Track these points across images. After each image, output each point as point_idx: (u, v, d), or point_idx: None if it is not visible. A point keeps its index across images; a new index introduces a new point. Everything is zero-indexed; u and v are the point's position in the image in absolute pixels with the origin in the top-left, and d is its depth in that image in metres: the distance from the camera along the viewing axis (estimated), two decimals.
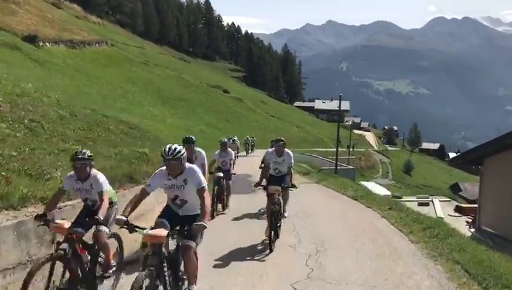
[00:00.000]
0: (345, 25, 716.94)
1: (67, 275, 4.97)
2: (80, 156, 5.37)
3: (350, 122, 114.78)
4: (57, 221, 5.09)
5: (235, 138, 27.57)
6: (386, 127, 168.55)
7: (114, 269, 5.67)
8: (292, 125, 76.02)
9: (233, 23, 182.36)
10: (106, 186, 5.53)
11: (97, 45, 65.48)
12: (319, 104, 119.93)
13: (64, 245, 4.94)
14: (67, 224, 5.05)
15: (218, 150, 11.97)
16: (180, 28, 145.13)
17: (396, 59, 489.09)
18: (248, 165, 23.64)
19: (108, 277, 5.62)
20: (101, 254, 5.55)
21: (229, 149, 12.16)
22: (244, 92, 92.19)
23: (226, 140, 12.66)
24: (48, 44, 52.68)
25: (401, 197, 22.11)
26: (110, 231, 5.59)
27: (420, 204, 20.42)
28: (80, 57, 56.37)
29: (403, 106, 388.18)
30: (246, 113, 68.59)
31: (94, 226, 5.39)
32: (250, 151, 38.04)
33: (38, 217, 5.10)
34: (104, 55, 63.02)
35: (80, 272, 5.10)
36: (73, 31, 63.31)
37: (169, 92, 60.03)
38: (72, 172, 5.50)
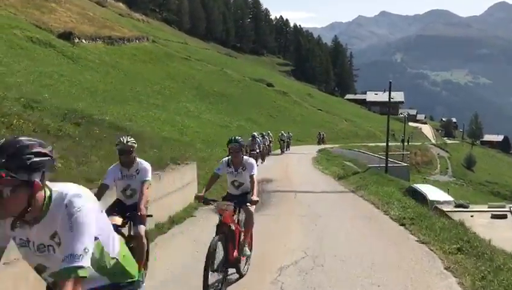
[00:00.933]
0: (399, 15, 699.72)
1: None
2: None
3: (405, 115, 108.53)
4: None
5: (255, 134, 23.89)
6: (443, 119, 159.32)
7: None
8: (341, 119, 71.77)
9: (281, 16, 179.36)
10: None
11: (137, 41, 64.08)
12: (371, 96, 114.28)
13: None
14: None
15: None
16: (227, 24, 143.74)
17: (453, 48, 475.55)
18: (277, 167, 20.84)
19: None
20: None
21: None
22: (290, 85, 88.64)
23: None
24: (84, 41, 51.54)
25: (467, 207, 17.85)
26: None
27: (494, 216, 16.13)
28: (118, 53, 54.98)
29: (461, 97, 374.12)
30: (290, 107, 65.09)
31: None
32: (285, 149, 34.46)
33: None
34: (144, 51, 61.47)
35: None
36: (114, 28, 62.24)
37: (209, 87, 57.56)
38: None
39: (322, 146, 41.64)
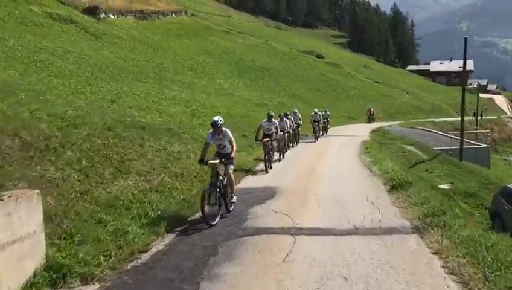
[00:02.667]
0: None
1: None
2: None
3: (475, 85, 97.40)
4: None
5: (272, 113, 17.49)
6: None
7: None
8: (402, 92, 63.68)
9: None
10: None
11: (173, 15, 59.23)
12: (435, 66, 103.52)
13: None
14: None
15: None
16: None
17: None
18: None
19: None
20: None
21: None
22: (343, 56, 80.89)
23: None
24: (112, 16, 47.31)
25: None
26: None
27: None
28: (150, 28, 50.42)
29: None
30: (342, 81, 58.03)
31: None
32: (320, 133, 26.10)
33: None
34: (180, 25, 56.61)
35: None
36: (148, 2, 57.55)
37: (250, 62, 51.85)
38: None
39: (376, 124, 34.84)
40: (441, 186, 14.72)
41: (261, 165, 14.11)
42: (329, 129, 29.42)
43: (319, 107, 44.15)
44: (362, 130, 29.42)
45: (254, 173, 13.18)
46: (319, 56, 65.38)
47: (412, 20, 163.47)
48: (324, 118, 27.77)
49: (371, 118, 41.21)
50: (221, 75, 43.61)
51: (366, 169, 13.33)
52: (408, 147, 20.68)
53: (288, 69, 54.89)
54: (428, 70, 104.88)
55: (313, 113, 25.69)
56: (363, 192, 10.10)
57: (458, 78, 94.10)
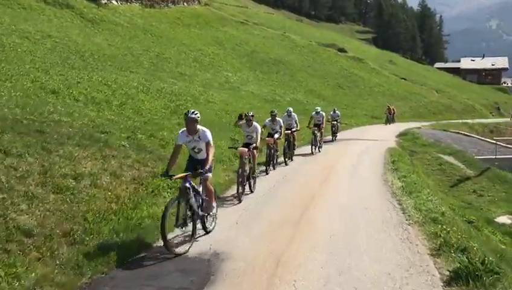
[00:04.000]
0: None
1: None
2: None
3: (510, 84, 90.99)
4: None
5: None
6: None
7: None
8: (431, 90, 58.44)
9: None
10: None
11: (185, 3, 55.31)
12: (466, 63, 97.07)
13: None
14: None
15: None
16: None
17: None
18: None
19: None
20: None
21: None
22: (367, 51, 75.75)
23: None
24: (115, 2, 43.56)
25: None
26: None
27: None
28: (157, 16, 46.60)
29: None
30: (366, 76, 53.19)
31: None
32: (321, 143, 18.22)
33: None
34: (191, 15, 52.66)
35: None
36: None
37: (264, 54, 47.59)
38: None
39: (402, 126, 30.06)
40: (499, 220, 10.23)
41: (234, 190, 9.52)
42: (338, 134, 22.52)
43: (338, 104, 39.70)
44: (387, 133, 24.94)
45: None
46: (340, 50, 60.58)
47: (441, 16, 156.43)
48: (334, 119, 21.80)
49: (390, 118, 35.37)
50: (230, 67, 39.53)
51: (395, 206, 8.08)
52: (446, 158, 16.21)
53: (306, 62, 50.43)
54: (458, 68, 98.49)
55: (313, 113, 18.35)
56: (395, 263, 5.44)
57: (491, 77, 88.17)
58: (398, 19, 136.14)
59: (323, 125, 17.69)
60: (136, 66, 27.57)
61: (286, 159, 13.70)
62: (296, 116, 14.99)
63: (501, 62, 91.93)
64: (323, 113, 18.11)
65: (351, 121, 32.20)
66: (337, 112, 22.50)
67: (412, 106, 48.25)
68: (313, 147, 16.28)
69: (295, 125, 14.62)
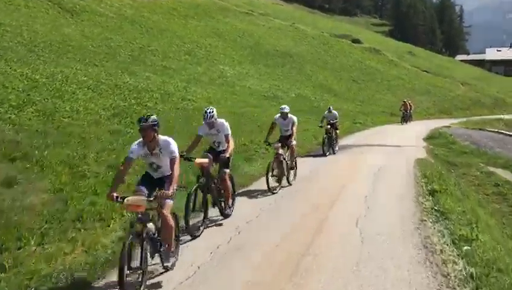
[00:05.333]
0: None
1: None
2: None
3: None
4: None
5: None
6: None
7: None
8: (456, 83, 52.93)
9: None
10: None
11: None
12: (492, 54, 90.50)
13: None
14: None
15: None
16: None
17: None
18: None
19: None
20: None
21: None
22: (384, 42, 70.27)
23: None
24: None
25: None
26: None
27: None
28: (150, 7, 42.29)
29: None
30: (383, 69, 48.05)
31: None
32: (326, 150, 14.62)
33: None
34: (189, 5, 48.26)
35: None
36: None
37: (270, 46, 42.89)
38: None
39: (426, 124, 25.01)
40: None
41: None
42: (337, 145, 15.68)
43: (353, 100, 34.91)
44: (411, 135, 20.09)
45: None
46: (355, 41, 55.47)
47: (462, 7, 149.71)
48: (331, 120, 15.13)
49: (407, 116, 30.18)
50: (229, 61, 34.97)
51: None
52: (501, 173, 11.32)
53: (317, 55, 45.55)
54: (482, 61, 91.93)
55: (326, 112, 15.53)
56: None
57: None
58: (416, 10, 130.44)
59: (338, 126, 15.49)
60: (107, 58, 23.16)
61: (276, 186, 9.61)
62: (294, 118, 10.69)
63: None
64: (336, 113, 15.20)
65: (366, 119, 27.41)
66: (334, 112, 15.37)
67: (435, 100, 43.02)
68: (325, 148, 14.40)
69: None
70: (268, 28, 49.67)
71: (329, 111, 15.28)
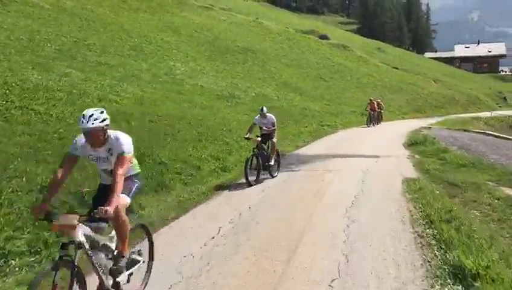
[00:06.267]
0: None
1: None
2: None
3: (507, 72, 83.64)
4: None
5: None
6: None
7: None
8: (428, 80, 50.49)
9: None
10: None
11: None
12: (460, 51, 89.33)
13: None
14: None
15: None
16: None
17: None
18: None
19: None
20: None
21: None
22: (352, 39, 67.62)
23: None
24: None
25: None
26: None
27: None
28: (96, 0, 37.97)
29: None
30: (352, 66, 45.06)
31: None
32: (253, 173, 10.18)
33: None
34: None
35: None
36: None
37: (230, 42, 39.29)
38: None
39: (400, 125, 21.78)
40: None
41: None
42: (276, 162, 11.24)
43: (319, 99, 31.64)
44: (389, 139, 16.73)
45: None
46: (322, 37, 52.40)
47: (428, 5, 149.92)
48: (265, 129, 10.91)
49: (374, 117, 26.84)
50: (182, 56, 31.22)
51: None
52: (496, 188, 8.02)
53: (282, 51, 42.19)
54: (450, 58, 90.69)
55: (256, 117, 11.22)
56: None
57: (486, 64, 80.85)
58: (383, 8, 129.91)
59: (275, 133, 11.03)
60: (23, 52, 19.05)
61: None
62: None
63: (497, 48, 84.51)
64: (273, 116, 10.91)
65: (335, 121, 24.13)
66: (269, 115, 10.94)
67: (408, 98, 40.29)
68: (250, 173, 9.93)
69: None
70: (229, 23, 46.08)
71: (262, 114, 10.73)
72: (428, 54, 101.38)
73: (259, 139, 10.23)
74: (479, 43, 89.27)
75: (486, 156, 14.09)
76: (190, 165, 9.82)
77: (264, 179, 10.40)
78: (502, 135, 19.54)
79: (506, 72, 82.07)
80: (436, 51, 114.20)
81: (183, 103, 18.13)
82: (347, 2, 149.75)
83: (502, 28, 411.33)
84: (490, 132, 20.56)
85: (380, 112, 28.22)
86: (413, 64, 59.40)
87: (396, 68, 51.30)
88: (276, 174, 10.77)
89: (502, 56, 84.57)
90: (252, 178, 9.76)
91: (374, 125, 25.99)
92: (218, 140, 13.30)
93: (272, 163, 10.57)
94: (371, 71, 45.59)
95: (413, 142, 15.49)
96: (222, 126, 15.43)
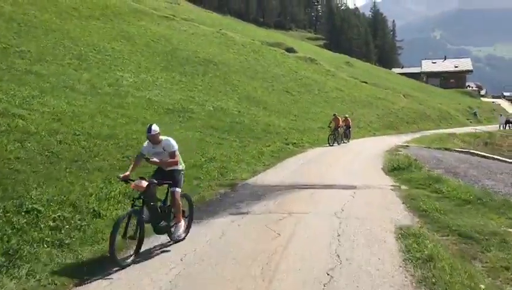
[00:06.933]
0: None
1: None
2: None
3: (473, 87, 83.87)
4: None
5: None
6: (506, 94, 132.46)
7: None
8: (397, 94, 48.90)
9: None
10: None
11: None
12: (428, 66, 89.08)
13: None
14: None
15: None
16: None
17: (496, 22, 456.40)
18: None
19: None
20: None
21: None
22: (320, 52, 65.96)
23: None
24: None
25: None
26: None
27: None
28: (40, 5, 34.68)
29: (507, 72, 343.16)
30: (320, 80, 42.94)
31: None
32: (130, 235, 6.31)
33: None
34: (95, 5, 40.99)
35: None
36: None
37: (191, 53, 36.57)
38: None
39: (377, 144, 19.33)
40: None
41: None
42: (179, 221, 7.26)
43: (285, 114, 29.16)
44: (363, 162, 14.24)
45: None
46: (289, 49, 50.23)
47: (394, 21, 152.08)
48: (155, 160, 6.83)
49: (337, 134, 23.90)
50: (134, 67, 28.27)
51: None
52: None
53: (246, 63, 39.66)
54: (416, 74, 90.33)
55: (145, 144, 7.02)
56: None
57: (453, 80, 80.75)
58: (350, 24, 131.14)
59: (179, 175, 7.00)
60: None
61: None
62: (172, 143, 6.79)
63: (464, 64, 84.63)
64: (172, 141, 6.80)
65: (301, 139, 21.54)
66: (165, 140, 6.83)
67: (379, 113, 38.30)
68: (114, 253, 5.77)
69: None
70: (190, 34, 43.34)
71: (151, 137, 6.70)
72: (395, 70, 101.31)
73: (144, 183, 6.16)
74: (445, 59, 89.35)
75: (479, 182, 11.69)
76: (84, 212, 6.73)
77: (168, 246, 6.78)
78: (488, 155, 17.35)
79: (472, 87, 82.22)
80: (402, 67, 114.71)
81: (120, 118, 15.14)
82: (314, 19, 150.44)
83: (462, 46, 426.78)
84: (474, 151, 18.42)
85: (348, 128, 25.69)
86: (382, 79, 57.95)
87: (366, 82, 49.56)
88: (182, 235, 6.90)
89: (469, 71, 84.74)
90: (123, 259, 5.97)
91: (338, 143, 23.37)
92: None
93: (172, 224, 6.77)
94: (339, 85, 43.54)
95: (395, 167, 12.87)
96: None
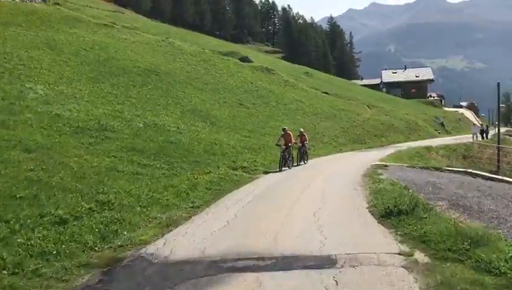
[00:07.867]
0: (389, 5, 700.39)
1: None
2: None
3: (435, 97, 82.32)
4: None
5: None
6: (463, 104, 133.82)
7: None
8: (361, 105, 45.50)
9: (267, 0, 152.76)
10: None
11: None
12: (388, 76, 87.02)
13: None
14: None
15: None
16: (201, 6, 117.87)
17: (447, 35, 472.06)
18: None
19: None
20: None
21: None
22: (277, 62, 62.32)
23: None
24: None
25: None
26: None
27: None
28: None
29: (458, 83, 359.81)
30: (278, 91, 38.90)
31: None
32: None
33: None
34: (19, 11, 36.00)
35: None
36: None
37: (130, 62, 31.95)
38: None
39: (344, 161, 15.23)
40: None
41: None
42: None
43: (237, 130, 24.70)
44: (338, 199, 9.95)
45: None
46: (244, 59, 46.08)
47: (351, 33, 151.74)
48: None
49: (289, 155, 19.37)
50: (53, 78, 23.40)
51: None
52: None
53: (194, 73, 35.22)
54: (377, 85, 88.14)
55: None
56: None
57: (414, 90, 78.94)
58: (308, 36, 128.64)
59: None
60: None
61: None
62: None
63: (425, 73, 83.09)
64: None
65: (255, 160, 17.27)
66: None
67: (343, 126, 34.60)
68: None
69: None
70: (131, 42, 38.56)
71: None
72: (354, 82, 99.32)
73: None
74: (405, 69, 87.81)
75: (507, 222, 7.67)
76: None
77: None
78: (492, 176, 13.59)
79: (434, 97, 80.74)
80: (362, 79, 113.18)
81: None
82: (272, 32, 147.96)
83: (415, 58, 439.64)
84: (473, 171, 14.66)
85: (304, 147, 21.25)
86: (344, 89, 54.70)
87: (327, 93, 45.99)
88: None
89: (430, 81, 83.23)
90: None
91: (289, 167, 18.91)
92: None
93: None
94: (299, 96, 39.68)
95: (391, 209, 8.25)
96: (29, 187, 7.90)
